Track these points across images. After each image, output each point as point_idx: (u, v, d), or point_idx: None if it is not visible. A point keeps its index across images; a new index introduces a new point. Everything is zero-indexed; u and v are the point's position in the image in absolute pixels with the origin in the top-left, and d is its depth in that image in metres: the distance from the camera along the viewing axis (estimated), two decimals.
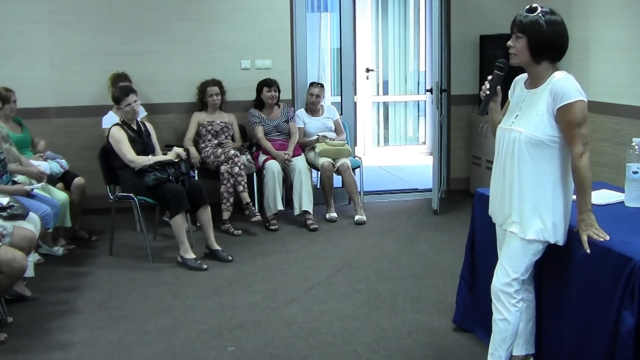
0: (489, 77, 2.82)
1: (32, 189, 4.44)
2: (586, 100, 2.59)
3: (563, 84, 2.59)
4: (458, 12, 6.59)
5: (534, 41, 2.60)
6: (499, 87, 2.83)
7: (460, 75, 6.63)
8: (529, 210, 2.68)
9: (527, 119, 2.68)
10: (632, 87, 5.26)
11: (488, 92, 2.82)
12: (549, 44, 2.60)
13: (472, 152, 6.73)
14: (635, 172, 3.05)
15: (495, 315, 2.82)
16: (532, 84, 2.72)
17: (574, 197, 2.70)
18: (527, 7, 2.65)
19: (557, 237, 2.70)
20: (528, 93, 2.73)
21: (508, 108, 2.84)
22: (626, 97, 5.31)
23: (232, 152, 5.61)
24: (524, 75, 2.80)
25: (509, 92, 2.88)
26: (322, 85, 6.23)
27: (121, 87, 5.09)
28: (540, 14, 2.60)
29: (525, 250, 2.73)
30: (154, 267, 4.76)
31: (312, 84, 6.21)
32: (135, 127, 4.97)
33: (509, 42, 2.68)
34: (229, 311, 3.95)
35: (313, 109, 6.17)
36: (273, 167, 5.68)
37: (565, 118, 2.58)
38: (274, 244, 5.29)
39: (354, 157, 6.35)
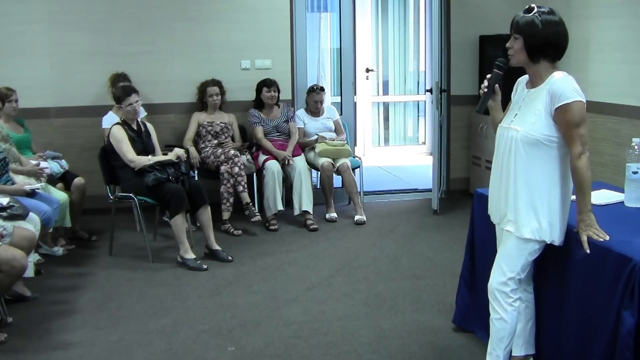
0: (488, 76, 2.83)
1: (33, 189, 4.44)
2: (584, 101, 2.59)
3: (561, 84, 2.59)
4: (458, 12, 6.59)
5: (530, 41, 2.61)
6: (497, 86, 2.85)
7: (460, 76, 6.63)
8: (524, 209, 2.68)
9: (524, 118, 2.69)
10: (632, 87, 5.26)
11: (486, 90, 2.83)
12: (544, 44, 2.61)
13: (472, 152, 6.73)
14: (635, 172, 3.05)
15: (492, 315, 2.83)
16: (532, 83, 2.73)
17: (574, 197, 2.70)
18: (526, 7, 2.66)
19: (553, 237, 2.70)
20: (528, 92, 2.74)
21: (509, 107, 2.85)
22: (626, 97, 5.31)
23: (232, 152, 5.62)
24: (527, 76, 2.80)
25: (512, 92, 2.88)
26: (322, 89, 6.23)
27: (123, 87, 5.09)
28: (536, 14, 2.61)
29: (521, 250, 2.73)
30: (154, 267, 4.76)
31: (313, 89, 6.17)
32: (135, 127, 4.97)
33: (508, 44, 2.70)
34: (229, 311, 3.95)
35: (314, 111, 6.18)
36: (273, 167, 5.68)
37: (564, 118, 2.58)
38: (274, 244, 5.29)
39: (354, 157, 6.35)
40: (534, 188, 2.67)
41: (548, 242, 2.71)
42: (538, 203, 2.67)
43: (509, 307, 2.77)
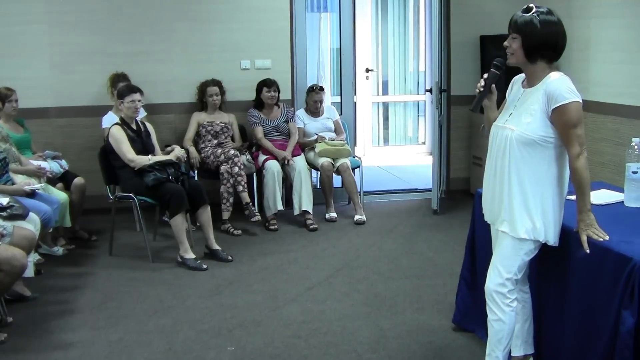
0: (485, 75, 2.83)
1: (34, 190, 4.44)
2: (580, 101, 2.59)
3: (557, 85, 2.59)
4: (458, 12, 6.58)
5: (528, 41, 2.61)
6: (493, 86, 2.84)
7: (460, 76, 6.62)
8: (518, 209, 2.68)
9: (520, 118, 2.68)
10: (632, 87, 5.25)
11: (482, 89, 2.82)
12: (542, 44, 2.61)
13: (472, 152, 6.73)
14: (634, 172, 3.05)
15: (490, 316, 2.82)
16: (529, 83, 2.73)
17: (572, 197, 2.70)
18: (524, 7, 2.65)
19: (548, 236, 2.70)
20: (524, 92, 2.74)
21: (504, 106, 2.85)
22: (626, 97, 5.31)
23: (232, 152, 5.62)
24: (523, 75, 2.80)
25: (507, 91, 2.88)
26: (322, 89, 6.24)
27: (128, 85, 5.12)
28: (535, 14, 2.61)
29: (517, 250, 2.73)
30: (154, 267, 4.76)
31: (312, 89, 6.18)
32: (134, 127, 4.97)
33: (506, 43, 2.70)
34: (229, 311, 3.95)
35: (314, 111, 6.18)
36: (273, 167, 5.68)
37: (561, 119, 2.58)
38: (274, 244, 5.29)
39: (354, 157, 6.35)
40: (528, 188, 2.67)
41: (542, 242, 2.71)
42: (532, 203, 2.67)
43: (506, 308, 2.77)
